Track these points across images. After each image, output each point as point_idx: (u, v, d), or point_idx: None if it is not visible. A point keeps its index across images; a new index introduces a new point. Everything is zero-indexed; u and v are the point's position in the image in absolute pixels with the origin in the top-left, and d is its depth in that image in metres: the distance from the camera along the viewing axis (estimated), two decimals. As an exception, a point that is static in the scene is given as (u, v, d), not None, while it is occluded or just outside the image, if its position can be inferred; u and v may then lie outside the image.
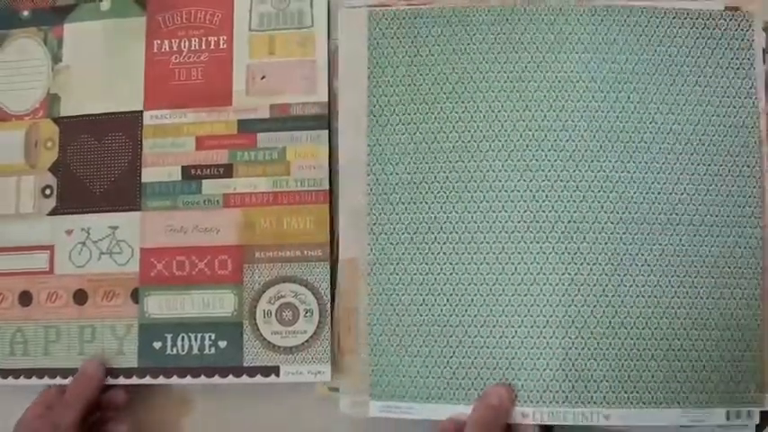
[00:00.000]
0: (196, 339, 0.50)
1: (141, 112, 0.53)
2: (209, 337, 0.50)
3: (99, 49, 0.54)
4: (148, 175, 0.53)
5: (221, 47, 0.53)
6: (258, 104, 0.52)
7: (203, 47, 0.53)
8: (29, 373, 0.52)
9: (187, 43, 0.54)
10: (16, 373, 0.52)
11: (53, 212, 0.54)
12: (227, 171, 0.52)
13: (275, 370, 0.49)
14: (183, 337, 0.50)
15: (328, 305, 0.50)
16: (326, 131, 0.51)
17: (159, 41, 0.54)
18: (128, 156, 0.53)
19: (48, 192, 0.54)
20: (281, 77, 0.52)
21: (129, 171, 0.53)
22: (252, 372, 0.49)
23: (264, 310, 0.50)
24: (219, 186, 0.52)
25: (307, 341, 0.49)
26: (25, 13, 0.56)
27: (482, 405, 0.46)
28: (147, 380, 0.50)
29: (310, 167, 0.51)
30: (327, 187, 0.51)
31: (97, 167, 0.53)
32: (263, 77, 0.53)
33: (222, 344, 0.50)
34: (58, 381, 0.52)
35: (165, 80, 0.53)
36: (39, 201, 0.54)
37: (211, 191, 0.52)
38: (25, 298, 0.53)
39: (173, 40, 0.54)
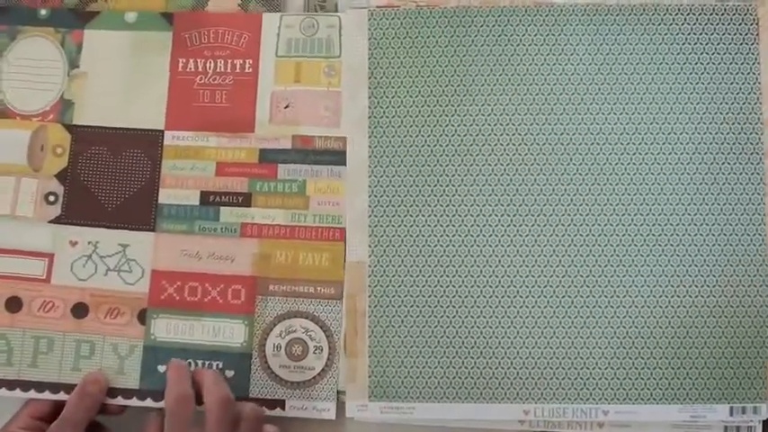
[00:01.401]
0: (203, 366, 0.50)
1: (162, 131, 0.52)
2: (217, 365, 0.50)
3: (120, 61, 0.53)
4: (166, 196, 0.52)
5: (247, 70, 0.53)
6: (280, 134, 0.52)
7: (228, 69, 0.53)
8: (11, 384, 0.50)
9: (212, 64, 0.53)
10: (-4, 384, 0.50)
11: (56, 221, 0.52)
12: (245, 200, 0.51)
13: (281, 403, 0.50)
14: (189, 363, 0.50)
15: (338, 344, 0.50)
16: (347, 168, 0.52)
17: (184, 60, 0.53)
18: (145, 174, 0.52)
19: (51, 198, 0.52)
20: (304, 107, 0.52)
21: (146, 190, 0.52)
22: (257, 403, 0.49)
23: (275, 344, 0.50)
24: (237, 215, 0.51)
25: (314, 378, 0.50)
26: (43, 11, 0.54)
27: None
28: (149, 402, 0.50)
29: (329, 203, 0.51)
30: (345, 225, 0.51)
31: (110, 182, 0.52)
32: (286, 106, 0.52)
33: (230, 373, 0.50)
34: (47, 395, 0.50)
35: (188, 101, 0.53)
36: (41, 206, 0.52)
37: (229, 219, 0.51)
38: (13, 304, 0.51)
39: (198, 60, 0.53)
